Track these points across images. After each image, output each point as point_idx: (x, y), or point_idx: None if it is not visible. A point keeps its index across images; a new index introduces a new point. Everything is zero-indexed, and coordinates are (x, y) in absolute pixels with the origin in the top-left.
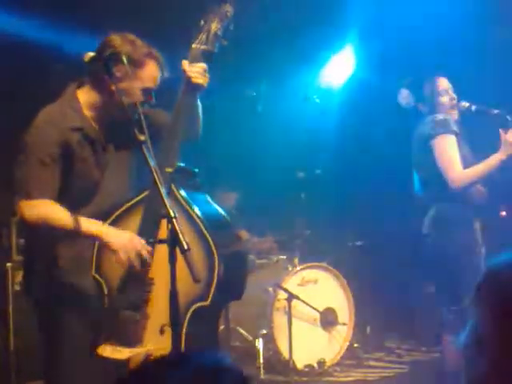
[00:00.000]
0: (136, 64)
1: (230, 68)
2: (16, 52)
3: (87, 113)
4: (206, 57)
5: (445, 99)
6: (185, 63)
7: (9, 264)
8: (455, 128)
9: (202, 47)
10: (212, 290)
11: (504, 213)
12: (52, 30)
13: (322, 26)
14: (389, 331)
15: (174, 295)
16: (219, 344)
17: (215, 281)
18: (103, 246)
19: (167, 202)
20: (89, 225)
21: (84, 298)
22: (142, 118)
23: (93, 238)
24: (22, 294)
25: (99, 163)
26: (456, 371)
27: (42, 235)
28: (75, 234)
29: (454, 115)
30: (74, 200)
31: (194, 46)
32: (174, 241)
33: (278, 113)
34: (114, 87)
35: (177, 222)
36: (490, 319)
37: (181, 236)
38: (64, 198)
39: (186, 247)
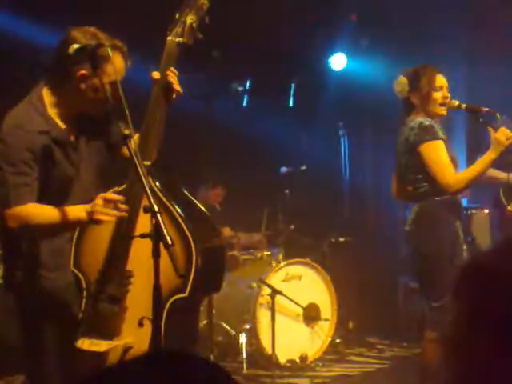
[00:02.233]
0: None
1: (216, 63)
2: None
3: (54, 112)
4: (181, 49)
5: (438, 95)
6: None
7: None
8: (441, 134)
9: (177, 40)
10: (190, 282)
11: (486, 211)
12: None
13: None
14: (371, 327)
15: (157, 289)
16: (199, 336)
17: (193, 273)
18: (80, 239)
19: (151, 196)
20: (66, 213)
21: (64, 292)
22: (127, 111)
23: (76, 223)
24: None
25: (71, 162)
26: (436, 367)
27: (20, 232)
28: (62, 225)
29: (443, 113)
30: (50, 199)
31: (168, 38)
32: (157, 235)
33: (262, 108)
34: (90, 81)
35: (161, 216)
36: (464, 315)
37: (165, 231)
38: (41, 199)
39: (169, 242)
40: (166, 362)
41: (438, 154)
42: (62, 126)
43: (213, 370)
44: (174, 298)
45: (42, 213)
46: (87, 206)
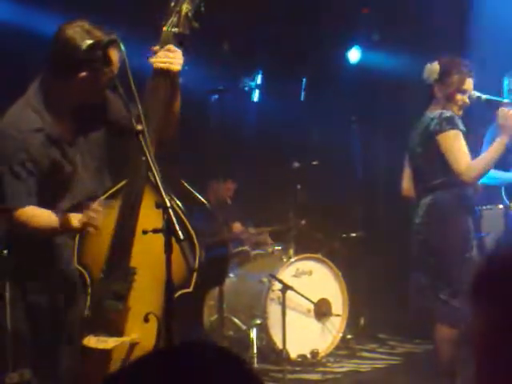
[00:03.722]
0: None
1: (228, 57)
2: None
3: (51, 109)
4: (178, 40)
5: (460, 98)
6: (154, 48)
7: (5, 251)
8: (461, 126)
9: (173, 30)
10: (194, 277)
11: (501, 206)
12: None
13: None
14: (382, 323)
15: (169, 284)
16: (203, 329)
17: (197, 268)
18: (83, 235)
19: (163, 191)
20: (61, 221)
21: (71, 285)
22: (140, 106)
23: (70, 231)
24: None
25: (68, 159)
26: (449, 362)
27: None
28: (57, 232)
29: (459, 113)
30: (49, 197)
31: (164, 28)
32: (169, 231)
33: (274, 103)
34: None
35: (173, 212)
36: (483, 315)
37: (177, 226)
38: (40, 196)
39: (181, 237)
40: (180, 354)
41: (456, 143)
42: (59, 123)
43: (225, 357)
44: (179, 293)
45: (40, 219)
46: (80, 216)
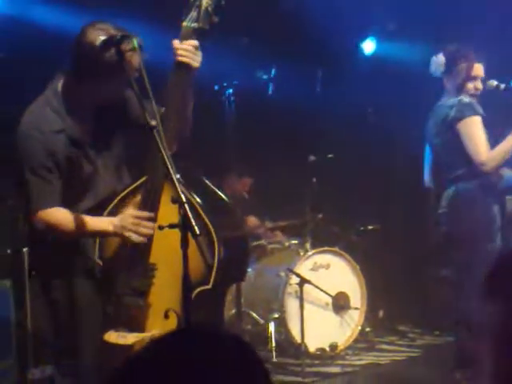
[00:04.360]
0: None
1: (242, 50)
2: None
3: (71, 109)
4: (198, 35)
5: (471, 86)
6: (174, 42)
7: (25, 249)
8: (481, 111)
9: (193, 25)
10: (213, 273)
11: None
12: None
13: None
14: (401, 315)
15: (186, 279)
16: (225, 326)
17: (216, 265)
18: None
19: (179, 187)
20: (93, 224)
21: (92, 280)
22: (154, 103)
23: (102, 234)
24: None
25: (89, 159)
26: (470, 354)
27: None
28: (88, 235)
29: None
30: (71, 197)
31: (184, 23)
32: (185, 226)
33: (288, 96)
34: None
35: (191, 207)
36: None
37: (192, 221)
38: (62, 196)
39: (197, 232)
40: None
41: (477, 131)
42: (79, 124)
43: (237, 346)
44: (198, 290)
45: (70, 221)
46: (115, 220)
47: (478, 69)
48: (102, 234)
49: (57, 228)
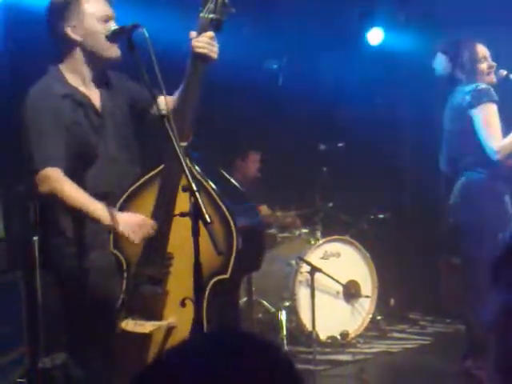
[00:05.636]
0: None
1: (252, 40)
2: None
3: (73, 75)
4: (215, 26)
5: (484, 66)
6: (192, 33)
7: (35, 238)
8: (496, 98)
9: (211, 16)
10: (231, 262)
11: None
12: None
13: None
14: (412, 303)
15: (197, 267)
16: (240, 315)
17: (234, 254)
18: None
19: (189, 175)
20: (94, 209)
21: (103, 272)
22: (164, 92)
23: (97, 221)
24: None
25: (93, 126)
26: (481, 342)
27: (56, 210)
28: (82, 214)
29: (493, 81)
30: (74, 164)
31: (201, 15)
32: (196, 214)
33: (299, 85)
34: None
35: (199, 195)
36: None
37: (203, 209)
38: (67, 162)
39: (208, 220)
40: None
41: (493, 118)
42: (84, 88)
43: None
44: (216, 279)
45: (74, 194)
46: (121, 217)
47: (482, 49)
48: (96, 220)
49: (58, 194)
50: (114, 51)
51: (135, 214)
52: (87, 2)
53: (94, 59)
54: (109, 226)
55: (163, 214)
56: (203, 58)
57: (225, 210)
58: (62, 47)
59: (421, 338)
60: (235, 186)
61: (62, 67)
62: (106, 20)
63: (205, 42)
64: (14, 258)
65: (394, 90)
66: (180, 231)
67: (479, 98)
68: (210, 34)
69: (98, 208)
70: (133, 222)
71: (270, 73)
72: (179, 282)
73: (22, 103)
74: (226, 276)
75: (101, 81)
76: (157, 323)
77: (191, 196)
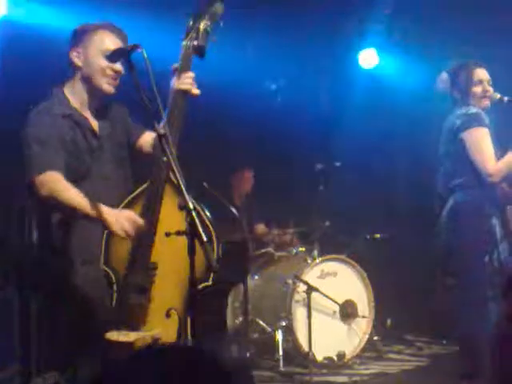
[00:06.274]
0: None
1: (251, 61)
2: None
3: (75, 104)
4: (198, 51)
5: (478, 89)
6: (174, 66)
7: (29, 254)
8: (487, 122)
9: (193, 43)
10: (212, 272)
11: None
12: None
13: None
14: (409, 324)
15: (194, 284)
16: (225, 329)
17: (215, 263)
18: (110, 238)
19: (186, 194)
20: (91, 207)
21: (93, 286)
22: (162, 111)
23: (96, 220)
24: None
25: (90, 147)
26: (474, 362)
27: (52, 224)
28: (80, 214)
29: (486, 105)
30: (66, 177)
31: (184, 43)
32: (192, 233)
33: (297, 105)
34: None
35: (196, 214)
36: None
37: (200, 228)
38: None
39: (205, 239)
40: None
41: (483, 142)
42: (83, 111)
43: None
44: (199, 287)
45: (67, 196)
46: (112, 210)
47: (480, 72)
48: (94, 214)
49: (56, 195)
50: (107, 87)
51: (124, 210)
52: (97, 33)
53: (89, 86)
54: (103, 219)
55: (147, 228)
56: (185, 93)
57: (207, 221)
58: (68, 69)
59: (417, 359)
60: (221, 201)
61: (65, 89)
62: None
63: (186, 79)
64: (7, 274)
65: (390, 115)
66: (164, 243)
67: (469, 122)
68: (191, 74)
69: (96, 207)
70: (122, 216)
71: (269, 93)
72: (164, 292)
73: (24, 122)
74: (209, 283)
75: (101, 107)
76: (141, 333)
77: (187, 215)
